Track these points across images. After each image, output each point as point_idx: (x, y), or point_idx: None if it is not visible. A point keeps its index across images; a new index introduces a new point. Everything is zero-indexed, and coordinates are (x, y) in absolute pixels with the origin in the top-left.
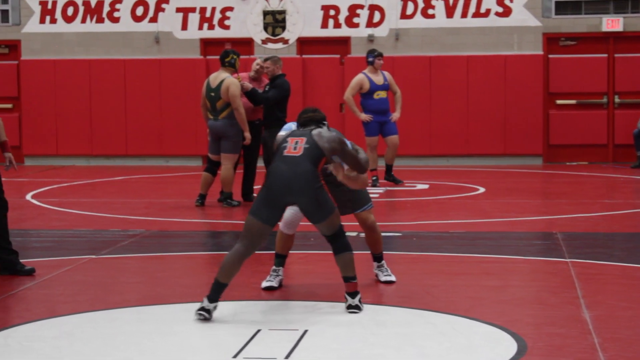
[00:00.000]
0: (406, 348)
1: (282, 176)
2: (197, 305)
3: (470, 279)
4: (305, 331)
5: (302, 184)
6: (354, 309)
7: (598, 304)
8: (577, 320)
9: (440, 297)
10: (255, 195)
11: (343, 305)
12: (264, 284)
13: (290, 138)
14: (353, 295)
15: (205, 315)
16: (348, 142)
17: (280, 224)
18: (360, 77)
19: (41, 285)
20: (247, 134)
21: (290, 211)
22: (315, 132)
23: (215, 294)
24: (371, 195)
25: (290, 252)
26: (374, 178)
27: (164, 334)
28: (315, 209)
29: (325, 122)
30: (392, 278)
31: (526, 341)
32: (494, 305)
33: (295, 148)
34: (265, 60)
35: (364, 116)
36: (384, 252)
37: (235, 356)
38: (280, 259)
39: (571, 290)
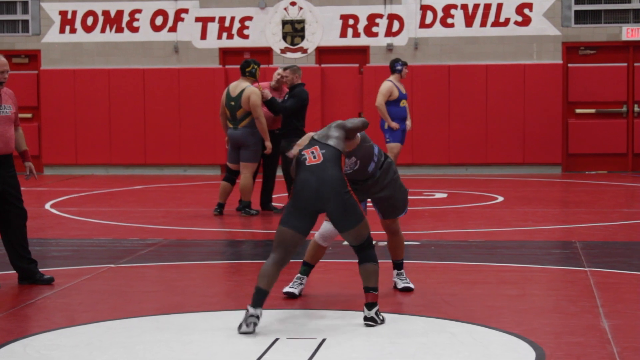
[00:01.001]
0: (424, 357)
1: (309, 183)
2: (216, 313)
3: (489, 288)
4: (324, 340)
5: (329, 189)
6: (369, 321)
7: (617, 313)
8: (595, 329)
9: (459, 306)
10: (273, 204)
11: (362, 315)
12: (286, 289)
13: (305, 150)
14: (370, 306)
15: (256, 322)
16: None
17: (316, 234)
18: (389, 84)
19: (60, 294)
20: (268, 143)
21: (329, 225)
22: (316, 136)
23: (258, 299)
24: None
25: None
26: None
27: (182, 342)
28: (342, 216)
29: None
30: (411, 285)
31: (545, 350)
32: (513, 314)
33: (315, 157)
34: (285, 69)
35: (395, 124)
36: (404, 261)
37: None
38: (307, 268)
39: (590, 299)
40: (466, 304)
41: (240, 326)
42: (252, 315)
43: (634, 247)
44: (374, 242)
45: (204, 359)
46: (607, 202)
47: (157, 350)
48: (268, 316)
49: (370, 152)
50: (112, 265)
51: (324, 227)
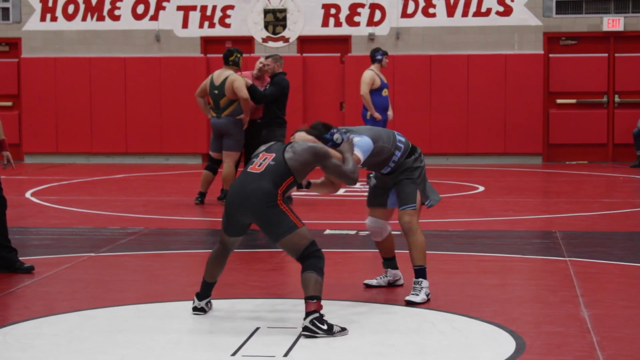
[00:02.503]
0: (405, 346)
1: (235, 193)
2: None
3: (470, 277)
4: None
5: (253, 202)
6: (305, 330)
7: (597, 302)
8: (575, 318)
9: (440, 295)
10: None
11: (341, 304)
12: (367, 280)
13: (263, 152)
14: (307, 315)
15: (200, 313)
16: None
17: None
18: (371, 73)
19: (40, 283)
20: (246, 118)
21: (367, 222)
22: (289, 148)
23: (203, 291)
24: (367, 193)
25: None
26: (372, 175)
27: (163, 331)
28: (266, 228)
29: (331, 132)
30: (415, 299)
31: (525, 339)
32: (493, 303)
33: (260, 164)
34: (267, 58)
35: (377, 114)
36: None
37: (233, 354)
38: (387, 262)
39: (570, 289)
40: (447, 293)
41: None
42: (195, 307)
43: (614, 237)
44: (321, 252)
45: (185, 347)
46: (587, 192)
47: (137, 339)
48: (249, 305)
49: (385, 161)
50: (93, 254)
51: (367, 224)
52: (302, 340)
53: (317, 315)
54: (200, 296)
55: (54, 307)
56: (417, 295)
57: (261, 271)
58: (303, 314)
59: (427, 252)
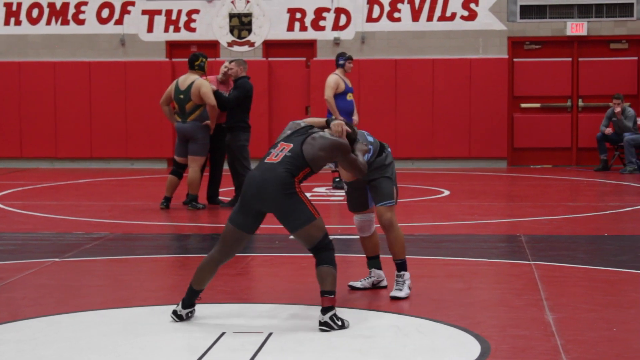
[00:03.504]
0: (370, 350)
1: (253, 182)
2: (163, 307)
3: (435, 281)
4: (270, 334)
5: (270, 190)
6: (323, 325)
7: (561, 306)
8: (540, 322)
9: (405, 299)
10: (220, 198)
11: (307, 308)
12: (352, 282)
13: (282, 142)
14: (325, 311)
15: (176, 319)
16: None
17: (356, 230)
18: (335, 77)
19: (4, 289)
20: (212, 124)
21: (356, 218)
22: (310, 139)
23: (189, 299)
24: (337, 198)
25: (258, 254)
26: (337, 179)
27: (128, 336)
28: (284, 217)
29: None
30: (399, 294)
31: (490, 343)
32: (458, 307)
33: (277, 155)
34: (230, 62)
35: (341, 118)
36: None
37: (199, 359)
38: (370, 261)
39: (534, 292)
40: (412, 297)
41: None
42: (175, 312)
43: (578, 241)
44: (332, 244)
45: (150, 353)
46: (551, 196)
47: (102, 345)
48: (215, 310)
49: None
50: (57, 260)
51: (355, 221)
52: (268, 345)
53: (334, 311)
54: (185, 304)
55: (18, 312)
56: (401, 290)
57: (226, 276)
58: (268, 319)
59: (391, 256)
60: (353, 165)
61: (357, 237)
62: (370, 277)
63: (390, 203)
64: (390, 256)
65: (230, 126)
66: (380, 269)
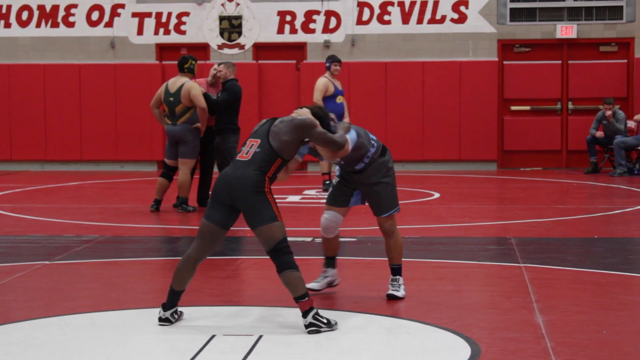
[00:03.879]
0: (361, 353)
1: (224, 177)
2: (153, 310)
3: (425, 284)
4: (260, 336)
5: (239, 185)
6: (309, 327)
7: (551, 308)
8: (530, 324)
9: (395, 302)
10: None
11: (297, 310)
12: (309, 284)
13: (250, 140)
14: (305, 314)
15: (166, 325)
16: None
17: (320, 230)
18: (324, 80)
19: None
20: (203, 126)
21: (326, 217)
22: (273, 127)
23: (170, 301)
24: (325, 200)
25: (248, 257)
26: (327, 182)
27: (118, 339)
28: (249, 213)
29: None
30: (397, 294)
31: (480, 346)
32: (448, 310)
33: (247, 152)
34: (219, 64)
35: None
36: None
37: None
38: (328, 261)
39: (524, 294)
40: (402, 300)
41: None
42: (160, 319)
43: (568, 243)
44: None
45: (140, 355)
46: (541, 199)
47: (92, 348)
48: (205, 312)
49: (360, 157)
50: (47, 262)
51: (322, 221)
52: (259, 347)
53: (315, 310)
54: (166, 306)
55: (8, 315)
56: (398, 290)
57: (217, 278)
58: (258, 322)
59: (381, 258)
60: (324, 138)
61: (347, 240)
62: (326, 276)
63: (395, 211)
64: (386, 260)
65: (220, 128)
66: (335, 268)
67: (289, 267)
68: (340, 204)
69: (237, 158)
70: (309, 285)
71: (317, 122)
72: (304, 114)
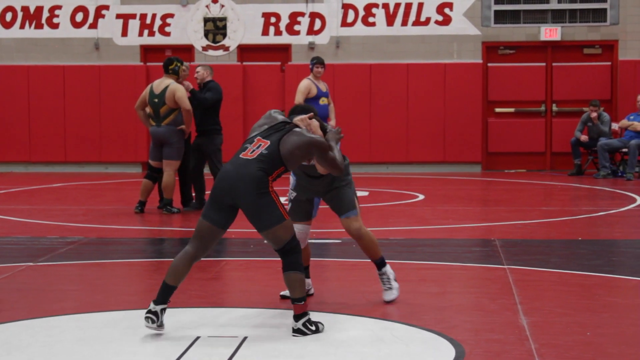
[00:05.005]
0: (345, 355)
1: (226, 177)
2: (137, 312)
3: (410, 285)
4: (245, 338)
5: (243, 186)
6: (296, 332)
7: (535, 310)
8: (514, 326)
9: (379, 303)
10: (194, 202)
11: (282, 312)
12: (282, 292)
13: (258, 138)
14: (297, 318)
15: (153, 319)
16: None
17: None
18: (307, 82)
19: None
20: (187, 128)
21: (295, 229)
22: (285, 137)
23: (162, 296)
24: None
25: (232, 258)
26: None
27: (103, 341)
28: (255, 215)
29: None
30: (392, 295)
31: (464, 347)
32: (433, 311)
33: (252, 151)
34: (197, 66)
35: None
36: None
37: None
38: None
39: (509, 296)
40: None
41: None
42: (149, 311)
43: (552, 245)
44: (300, 247)
45: (124, 357)
46: (525, 201)
47: (77, 349)
48: (189, 314)
49: None
50: (31, 264)
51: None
52: (243, 349)
53: (307, 317)
54: (157, 301)
55: None
56: (391, 288)
57: (201, 280)
58: (243, 324)
59: (366, 260)
60: (332, 164)
61: (331, 241)
62: None
63: (354, 213)
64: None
65: (205, 130)
66: (309, 277)
67: (294, 268)
68: (303, 218)
69: (240, 156)
70: (282, 293)
71: (329, 145)
72: (315, 127)
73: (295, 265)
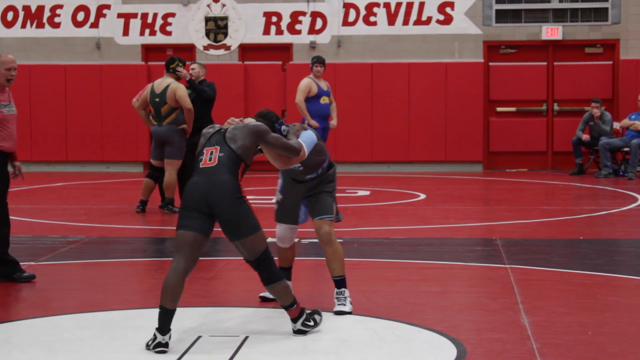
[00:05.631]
0: (346, 354)
1: (198, 188)
2: (139, 311)
3: (411, 285)
4: (246, 337)
5: (219, 193)
6: (297, 333)
7: (537, 309)
8: (516, 325)
9: (381, 303)
10: None
11: (283, 311)
12: (261, 293)
13: (206, 148)
14: (295, 320)
15: (165, 350)
16: (285, 128)
17: (276, 240)
18: (308, 80)
19: None
20: (189, 128)
21: (281, 228)
22: (228, 134)
23: (166, 323)
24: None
25: (233, 258)
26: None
27: (104, 341)
28: (231, 223)
29: (280, 122)
30: (345, 309)
31: (466, 347)
32: (434, 311)
33: (210, 159)
34: (192, 64)
35: (314, 122)
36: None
37: None
38: (284, 272)
39: (510, 296)
40: (388, 301)
41: (147, 344)
42: (159, 344)
43: (554, 244)
44: (271, 255)
45: (126, 357)
46: (527, 200)
47: (77, 349)
48: (190, 314)
49: (320, 163)
50: (33, 263)
51: (278, 231)
52: (244, 348)
53: (304, 317)
54: (164, 330)
55: None
56: (345, 305)
57: (202, 280)
58: (244, 323)
59: (367, 259)
60: (279, 144)
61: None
62: None
63: (329, 217)
64: (373, 260)
65: (201, 126)
66: (290, 280)
67: (275, 279)
68: (289, 221)
69: (201, 166)
70: (261, 295)
71: (267, 129)
72: (232, 121)
73: (274, 276)
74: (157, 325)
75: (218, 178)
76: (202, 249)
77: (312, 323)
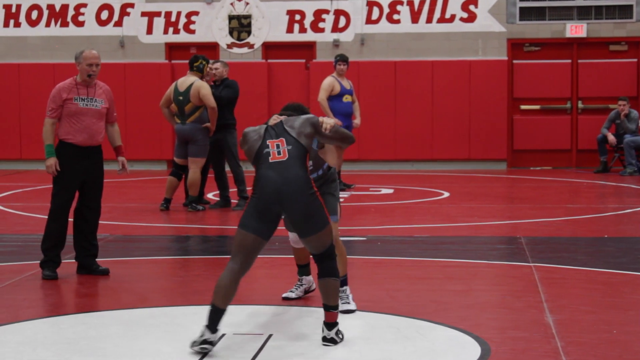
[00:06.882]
0: (370, 353)
1: (271, 183)
2: (162, 309)
3: (434, 283)
4: (270, 335)
5: (293, 189)
6: (328, 342)
7: (561, 308)
8: (540, 324)
9: (404, 301)
10: (205, 198)
11: (307, 309)
12: (284, 294)
13: (269, 141)
14: (330, 326)
15: (208, 348)
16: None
17: (290, 240)
18: (331, 79)
19: (5, 290)
20: (212, 126)
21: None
22: (287, 126)
23: (215, 322)
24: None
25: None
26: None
27: (128, 338)
28: (305, 220)
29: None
30: (350, 307)
31: (490, 345)
32: (458, 309)
33: (279, 152)
34: (214, 63)
35: (336, 120)
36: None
37: None
38: (302, 269)
39: (534, 294)
40: (412, 299)
41: (193, 343)
42: (205, 342)
43: (578, 243)
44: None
45: (150, 355)
46: (551, 198)
47: (101, 346)
48: None
49: (322, 163)
50: None
51: (289, 233)
52: (268, 346)
53: (338, 326)
54: (213, 329)
55: (18, 314)
56: (349, 303)
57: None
58: (268, 321)
59: (391, 258)
60: (339, 133)
61: (356, 239)
62: (301, 285)
63: (334, 219)
64: (396, 258)
65: (223, 124)
66: (309, 275)
67: (332, 274)
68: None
69: (270, 161)
70: (284, 295)
71: (317, 118)
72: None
73: (333, 271)
74: (206, 323)
75: (291, 173)
76: (259, 252)
77: (341, 336)
